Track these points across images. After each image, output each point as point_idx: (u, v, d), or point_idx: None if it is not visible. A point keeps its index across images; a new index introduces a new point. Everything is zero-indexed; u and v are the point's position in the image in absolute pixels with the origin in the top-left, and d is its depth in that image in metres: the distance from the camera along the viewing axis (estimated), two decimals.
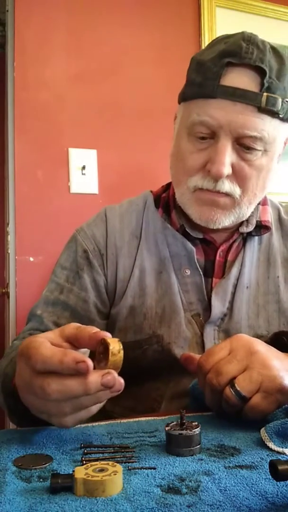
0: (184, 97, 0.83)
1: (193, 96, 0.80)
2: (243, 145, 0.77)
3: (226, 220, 0.82)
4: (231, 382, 0.58)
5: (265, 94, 0.75)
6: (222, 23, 2.09)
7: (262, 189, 0.84)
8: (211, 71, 0.76)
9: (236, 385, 0.57)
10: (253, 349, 0.60)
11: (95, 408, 0.54)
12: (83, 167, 1.82)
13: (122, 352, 0.53)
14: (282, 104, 0.76)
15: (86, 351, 0.58)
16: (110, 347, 0.52)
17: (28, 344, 0.53)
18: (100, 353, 0.54)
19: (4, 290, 1.83)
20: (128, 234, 0.91)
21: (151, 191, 0.98)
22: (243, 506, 0.39)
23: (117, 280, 0.89)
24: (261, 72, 0.75)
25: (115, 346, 0.53)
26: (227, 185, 0.79)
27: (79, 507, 0.39)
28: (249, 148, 0.78)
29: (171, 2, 2.04)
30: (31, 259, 1.73)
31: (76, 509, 0.39)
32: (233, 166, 0.78)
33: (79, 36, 1.88)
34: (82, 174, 1.82)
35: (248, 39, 0.77)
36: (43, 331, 0.84)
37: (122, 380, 0.52)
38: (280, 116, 0.77)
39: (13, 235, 1.73)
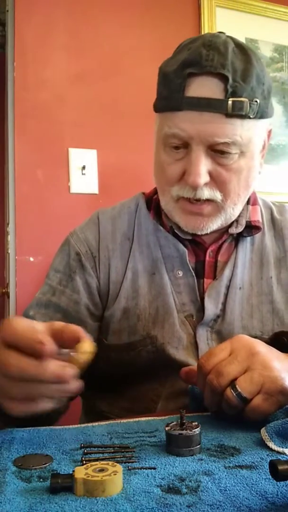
0: (155, 109, 0.84)
1: (162, 109, 0.80)
2: (217, 151, 0.77)
3: (214, 225, 0.83)
4: (232, 384, 0.58)
5: (230, 99, 0.74)
6: (222, 23, 2.09)
7: (245, 188, 0.83)
8: (175, 83, 0.76)
9: (237, 386, 0.57)
10: (254, 350, 0.60)
11: (45, 405, 0.52)
12: (83, 167, 1.82)
13: (89, 355, 0.53)
14: (250, 106, 0.75)
15: (68, 352, 0.56)
16: (79, 345, 0.52)
17: (7, 320, 0.54)
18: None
19: (4, 290, 1.83)
20: (120, 236, 0.91)
21: (143, 193, 0.98)
22: (243, 506, 0.39)
23: (109, 282, 0.89)
24: (224, 78, 0.74)
25: (85, 346, 0.53)
26: (206, 192, 0.79)
27: (79, 507, 0.39)
28: (223, 153, 0.77)
29: (171, 2, 2.04)
30: (31, 259, 1.73)
31: (76, 509, 0.39)
32: (210, 173, 0.78)
33: (79, 36, 1.88)
34: (82, 174, 1.82)
35: (208, 44, 0.76)
36: None
37: (79, 383, 0.52)
38: (251, 117, 0.76)
39: (13, 235, 1.73)
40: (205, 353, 0.63)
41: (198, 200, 0.80)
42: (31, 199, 1.76)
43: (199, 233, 0.84)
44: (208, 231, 0.84)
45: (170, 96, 0.77)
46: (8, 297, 1.76)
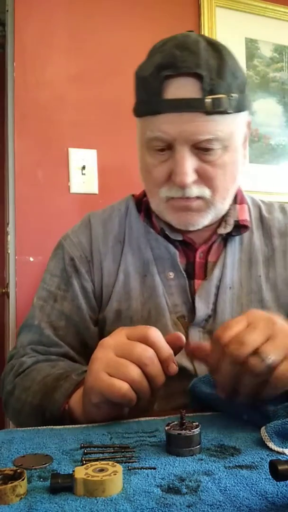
0: (135, 114, 0.84)
1: (142, 113, 0.81)
2: (201, 148, 0.78)
3: (205, 220, 0.84)
4: (255, 352, 0.56)
5: (209, 98, 0.75)
6: (222, 23, 2.09)
7: (232, 182, 0.84)
8: (153, 87, 0.77)
9: (261, 353, 0.56)
10: (273, 320, 0.60)
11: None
12: (83, 167, 1.82)
13: None
14: (229, 101, 0.76)
15: None
16: None
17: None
18: None
19: (4, 290, 1.83)
20: (111, 239, 0.92)
21: (133, 195, 0.99)
22: (243, 506, 0.39)
23: (103, 285, 0.90)
24: (200, 77, 0.75)
25: None
26: (195, 190, 0.80)
27: (79, 507, 0.39)
28: (207, 150, 0.78)
29: (171, 2, 2.04)
30: (31, 259, 1.73)
31: (76, 509, 0.39)
32: (196, 171, 0.79)
33: (79, 36, 1.88)
34: (82, 174, 1.82)
35: (181, 45, 0.77)
36: (45, 344, 0.85)
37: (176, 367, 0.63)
38: (230, 112, 0.77)
39: (13, 235, 1.73)
40: (220, 327, 0.62)
41: (188, 198, 0.81)
42: (31, 199, 1.76)
43: (190, 228, 0.85)
44: (200, 227, 0.85)
45: (149, 100, 0.78)
46: (8, 297, 1.76)
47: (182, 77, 0.76)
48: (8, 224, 1.76)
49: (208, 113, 0.76)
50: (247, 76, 2.09)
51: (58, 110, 1.83)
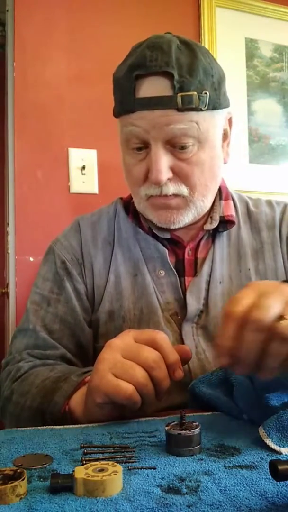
0: (114, 115, 0.87)
1: (118, 113, 0.84)
2: (176, 145, 0.79)
3: (185, 218, 0.85)
4: (280, 317, 0.51)
5: (179, 95, 0.76)
6: (222, 23, 2.09)
7: (212, 178, 0.85)
8: (126, 87, 0.79)
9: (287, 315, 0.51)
10: (280, 285, 0.56)
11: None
12: (83, 167, 1.82)
13: None
14: (199, 99, 0.77)
15: None
16: None
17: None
18: None
19: (4, 290, 1.83)
20: (101, 241, 0.93)
21: (121, 198, 1.00)
22: (243, 506, 0.39)
23: (94, 286, 0.90)
24: (169, 75, 0.76)
25: None
26: (171, 188, 0.81)
27: (79, 507, 0.39)
28: (182, 148, 0.79)
29: (171, 2, 2.04)
30: (31, 259, 1.73)
31: (76, 509, 0.39)
32: (172, 168, 0.80)
33: (79, 36, 1.88)
34: (82, 174, 1.82)
35: (152, 45, 0.79)
36: (41, 347, 0.86)
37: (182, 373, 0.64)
38: (203, 109, 0.78)
39: (13, 235, 1.73)
40: (228, 303, 0.57)
41: (165, 196, 0.82)
42: (31, 199, 1.76)
43: (172, 227, 0.85)
44: (181, 225, 0.85)
45: (123, 100, 0.80)
46: (8, 297, 1.76)
47: (152, 76, 0.77)
48: (8, 224, 1.76)
49: (180, 110, 0.76)
50: (247, 76, 2.12)
51: (58, 110, 1.83)
